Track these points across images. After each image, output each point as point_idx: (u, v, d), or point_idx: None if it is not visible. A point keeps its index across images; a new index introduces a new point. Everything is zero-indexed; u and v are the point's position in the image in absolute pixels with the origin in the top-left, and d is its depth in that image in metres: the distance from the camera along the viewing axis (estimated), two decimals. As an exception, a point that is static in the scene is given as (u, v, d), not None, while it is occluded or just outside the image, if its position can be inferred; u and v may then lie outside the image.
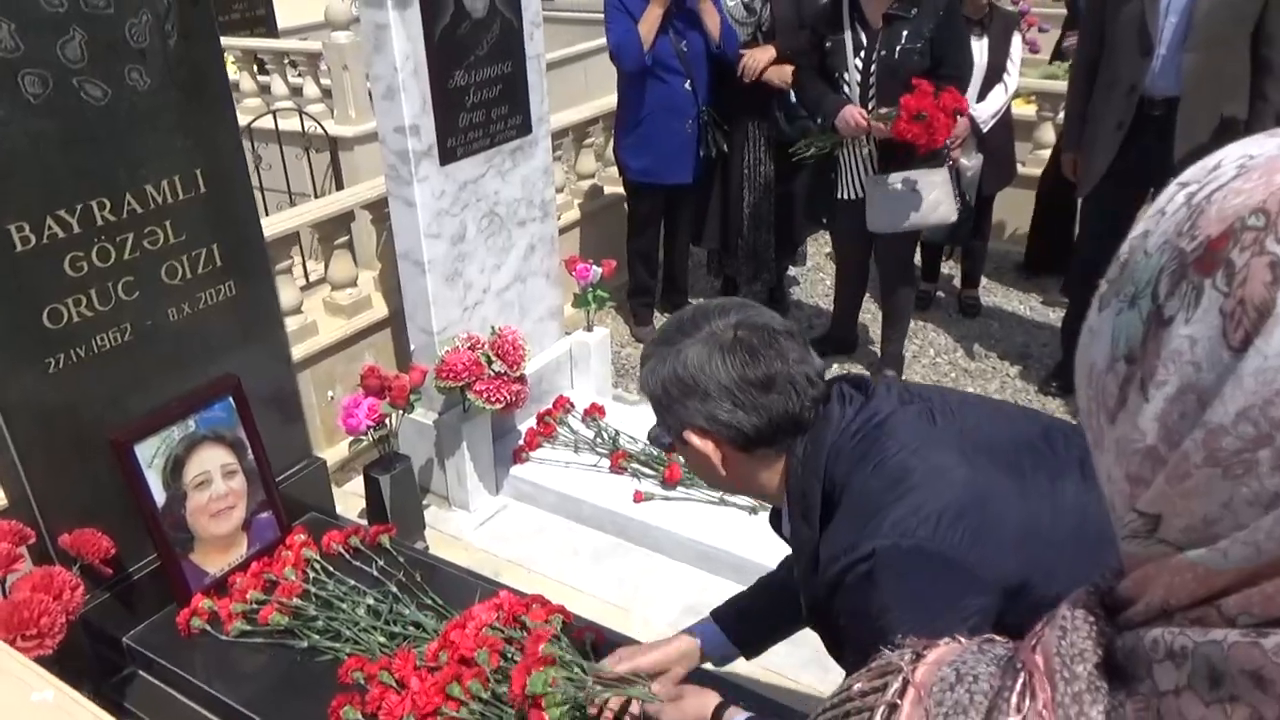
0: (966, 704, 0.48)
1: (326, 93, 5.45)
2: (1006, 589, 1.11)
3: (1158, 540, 0.43)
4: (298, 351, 3.01)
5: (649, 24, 3.63)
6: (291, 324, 3.01)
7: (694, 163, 3.91)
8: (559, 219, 4.01)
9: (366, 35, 2.65)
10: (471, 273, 3.02)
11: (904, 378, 3.80)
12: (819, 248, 4.97)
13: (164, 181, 2.06)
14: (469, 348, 2.83)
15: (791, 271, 4.72)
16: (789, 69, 3.76)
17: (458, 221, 2.92)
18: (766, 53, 3.80)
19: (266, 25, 7.48)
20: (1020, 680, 0.47)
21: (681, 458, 1.42)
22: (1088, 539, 1.07)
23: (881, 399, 1.25)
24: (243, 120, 4.92)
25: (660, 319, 4.37)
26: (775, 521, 1.46)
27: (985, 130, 3.78)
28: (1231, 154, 0.43)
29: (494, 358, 2.81)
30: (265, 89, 5.86)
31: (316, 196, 5.01)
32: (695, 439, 1.26)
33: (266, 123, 4.77)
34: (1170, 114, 3.04)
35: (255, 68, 6.03)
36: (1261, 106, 2.98)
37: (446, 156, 2.82)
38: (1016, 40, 3.93)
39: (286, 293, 3.04)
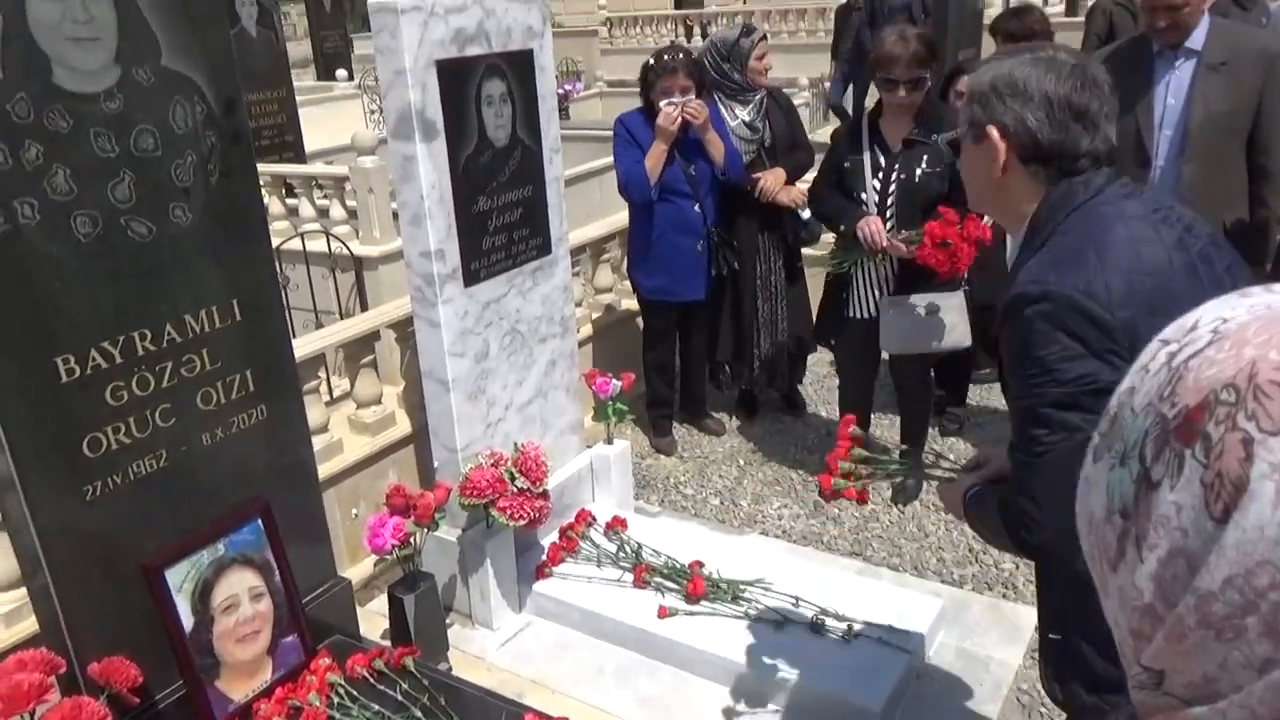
0: None
1: (352, 214, 5.65)
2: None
3: (1164, 693, 0.45)
4: (323, 470, 3.04)
5: (655, 159, 3.75)
6: (318, 443, 3.05)
7: (706, 281, 4.00)
8: (578, 333, 4.10)
9: (395, 165, 2.78)
10: (494, 389, 3.08)
11: (924, 487, 3.79)
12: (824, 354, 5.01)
13: (202, 311, 2.14)
14: (492, 464, 2.87)
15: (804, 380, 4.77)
16: (797, 190, 3.90)
17: (481, 340, 3.00)
18: (779, 175, 3.94)
19: (294, 150, 7.81)
20: None
21: (960, 163, 1.62)
22: None
23: (1139, 197, 1.47)
24: (272, 243, 5.11)
25: (679, 429, 4.40)
26: None
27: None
28: (1207, 315, 0.46)
29: (517, 474, 2.83)
30: (293, 211, 6.08)
31: (341, 315, 5.14)
32: (995, 134, 1.46)
33: (294, 244, 4.94)
34: None
35: (284, 191, 6.27)
36: (1262, 213, 3.05)
37: (470, 278, 2.92)
38: None
39: (313, 412, 3.10)
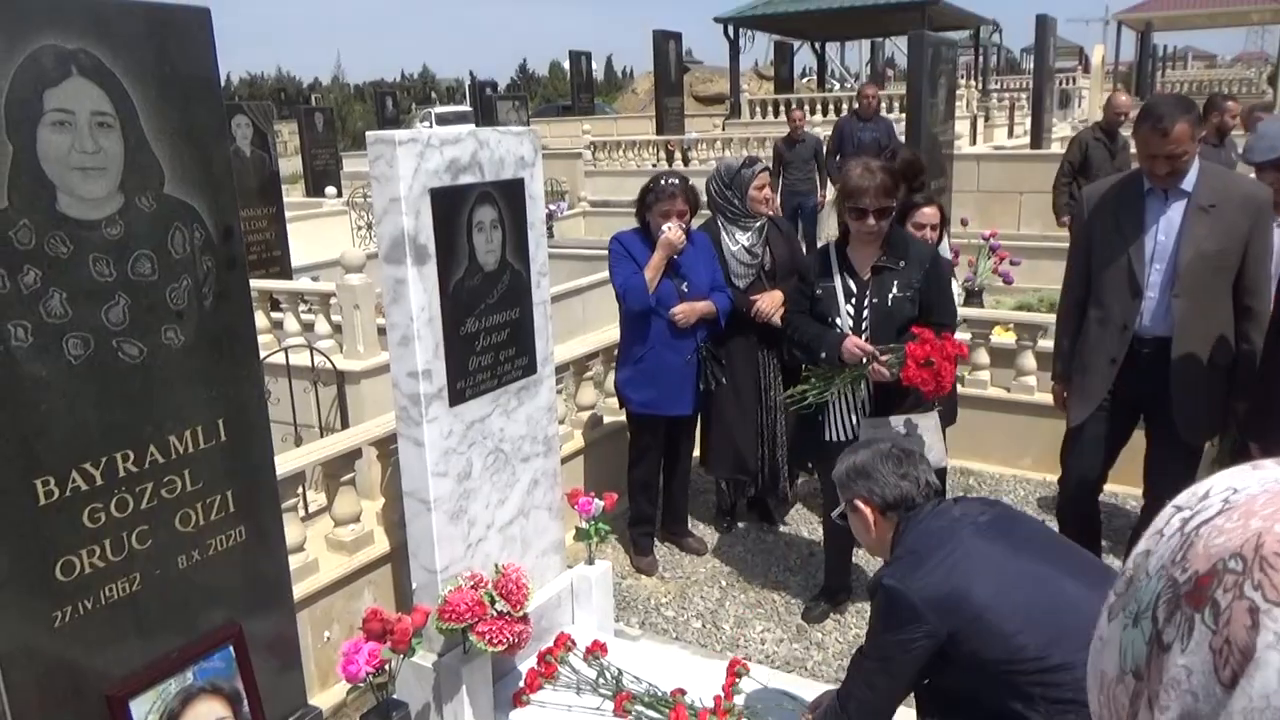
0: None
1: (337, 328, 5.70)
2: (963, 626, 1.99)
3: None
4: (298, 591, 2.98)
5: (654, 269, 3.89)
6: (293, 563, 3.00)
7: (694, 395, 4.05)
8: (561, 450, 4.10)
9: (386, 287, 2.84)
10: (476, 509, 3.05)
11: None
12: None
13: (187, 432, 2.14)
14: (472, 587, 2.82)
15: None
16: None
17: (464, 459, 2.99)
18: (776, 297, 4.06)
19: (282, 265, 7.92)
20: None
21: (851, 524, 2.36)
22: (1067, 618, 1.90)
23: (956, 512, 2.17)
24: (254, 356, 5.14)
25: (661, 548, 4.36)
26: None
27: None
28: (1219, 485, 0.49)
29: (497, 597, 2.79)
30: (278, 325, 6.12)
31: (321, 429, 5.12)
32: (862, 505, 2.27)
33: (277, 358, 4.96)
34: (1159, 351, 3.17)
35: (269, 305, 6.33)
36: (1246, 348, 3.13)
37: (455, 398, 2.94)
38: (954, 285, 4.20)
39: (290, 530, 3.05)
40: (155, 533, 2.09)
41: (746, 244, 4.13)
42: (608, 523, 3.50)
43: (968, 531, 2.09)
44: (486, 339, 3.05)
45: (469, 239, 2.95)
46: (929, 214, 4.09)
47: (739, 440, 4.26)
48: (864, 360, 3.33)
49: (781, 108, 19.30)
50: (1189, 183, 3.09)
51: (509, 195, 3.09)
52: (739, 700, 2.95)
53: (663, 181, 3.98)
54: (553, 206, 12.84)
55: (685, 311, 3.92)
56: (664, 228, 3.86)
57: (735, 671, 2.94)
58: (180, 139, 2.10)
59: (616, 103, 38.12)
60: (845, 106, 17.86)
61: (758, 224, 4.15)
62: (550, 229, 12.26)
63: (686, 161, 14.32)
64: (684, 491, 4.42)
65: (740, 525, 4.57)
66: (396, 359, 2.86)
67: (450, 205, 2.87)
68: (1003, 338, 5.25)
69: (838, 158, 9.20)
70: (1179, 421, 3.18)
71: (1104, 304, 3.27)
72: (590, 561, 3.51)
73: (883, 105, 16.19)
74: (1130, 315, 3.19)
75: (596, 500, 3.42)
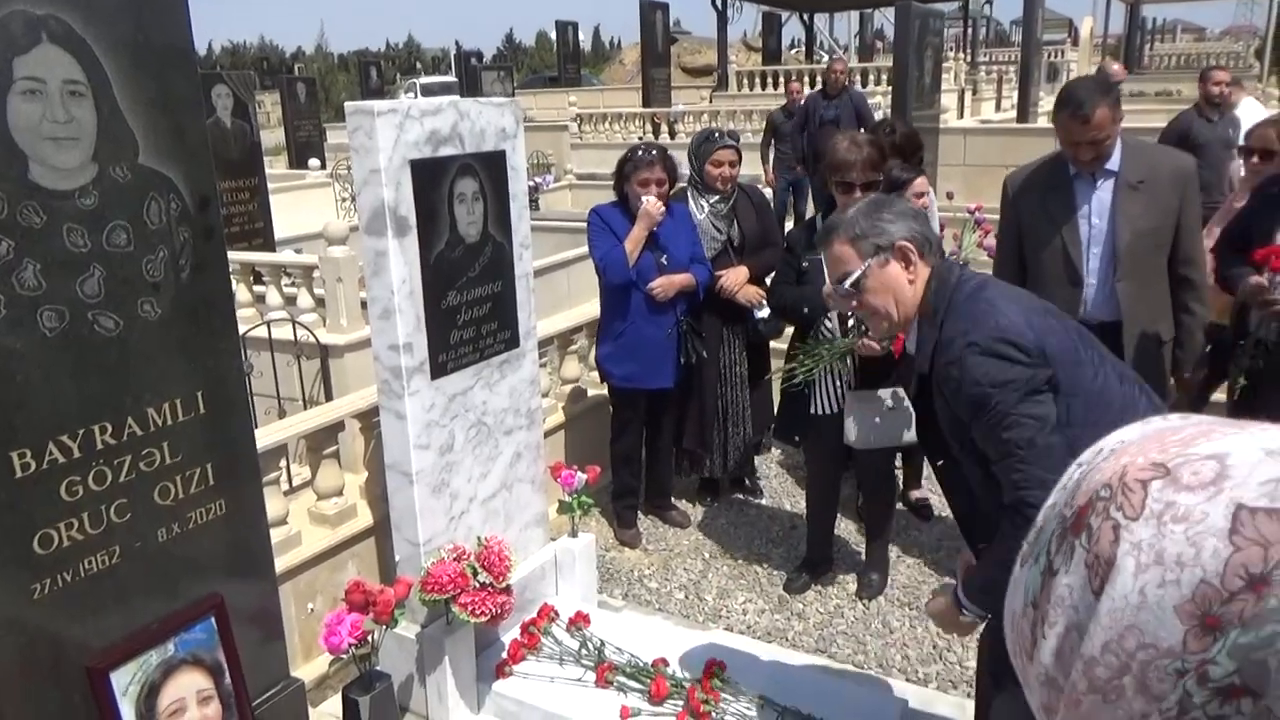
0: None
1: (320, 302, 5.67)
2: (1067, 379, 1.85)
3: None
4: (280, 563, 2.98)
5: (635, 241, 3.87)
6: (275, 536, 3.00)
7: (674, 369, 4.06)
8: (545, 424, 4.11)
9: (366, 260, 2.82)
10: (458, 482, 3.06)
11: (889, 581, 3.79)
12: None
13: (165, 405, 2.13)
14: (454, 559, 2.83)
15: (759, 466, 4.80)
16: (754, 290, 4.00)
17: (446, 432, 2.99)
18: (741, 273, 4.05)
19: (264, 237, 7.85)
20: None
21: (867, 298, 2.02)
22: (1112, 399, 1.86)
23: (980, 277, 2.01)
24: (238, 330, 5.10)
25: (644, 521, 4.39)
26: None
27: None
28: (1112, 439, 0.54)
29: (479, 569, 2.80)
30: (260, 298, 6.09)
31: (305, 402, 5.11)
32: (907, 245, 1.97)
33: (260, 331, 4.94)
34: (1105, 337, 3.01)
35: (251, 279, 6.29)
36: (1188, 320, 3.13)
37: (437, 371, 2.93)
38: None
39: (273, 504, 3.06)
40: (134, 506, 2.08)
41: (710, 216, 4.12)
42: (591, 496, 3.51)
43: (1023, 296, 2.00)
44: (468, 312, 3.04)
45: (450, 211, 2.93)
46: (919, 184, 4.08)
47: (701, 414, 4.29)
48: (851, 334, 3.34)
49: (769, 79, 19.20)
50: (1114, 162, 3.04)
51: (490, 167, 3.06)
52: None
53: (640, 151, 3.96)
54: (538, 179, 12.76)
55: (663, 285, 3.91)
56: (643, 199, 3.85)
57: (713, 673, 2.93)
58: (155, 109, 2.07)
59: (603, 74, 37.83)
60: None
61: (719, 198, 4.13)
62: (535, 201, 12.19)
63: (673, 134, 14.24)
64: (667, 465, 4.44)
65: (724, 498, 4.60)
66: (378, 332, 2.85)
67: (431, 177, 2.84)
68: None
69: (804, 134, 9.07)
70: None
71: (1045, 294, 3.03)
72: (573, 534, 3.52)
73: (858, 79, 16.07)
74: (1073, 304, 3.07)
75: (579, 473, 3.43)
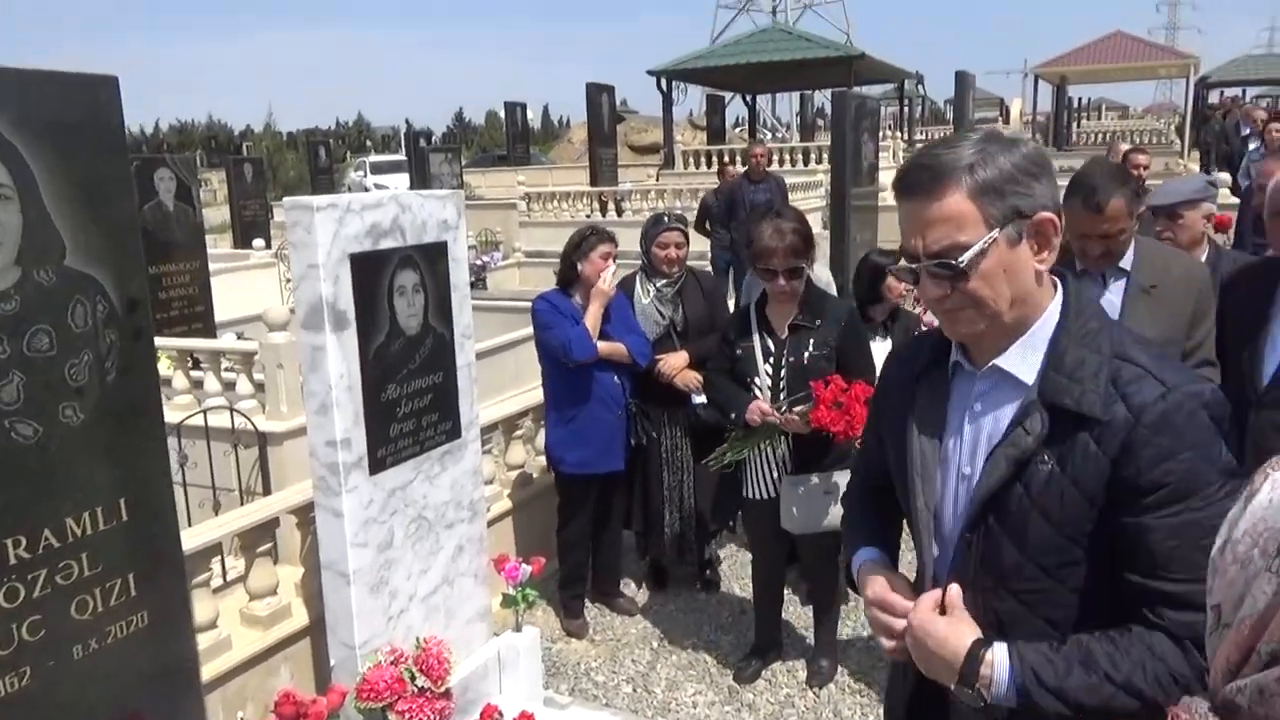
0: None
1: (259, 387, 5.56)
2: None
3: (1223, 625, 0.78)
4: (208, 671, 2.86)
5: (593, 319, 3.92)
6: (204, 641, 2.89)
7: (625, 451, 4.04)
8: (489, 511, 4.05)
9: (304, 355, 2.78)
10: (397, 580, 2.98)
11: (839, 667, 3.75)
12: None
13: (86, 514, 2.05)
14: (391, 662, 2.74)
15: (719, 551, 4.76)
16: (693, 375, 4.02)
17: (385, 529, 2.92)
18: (680, 358, 4.08)
19: (204, 321, 7.72)
20: None
21: (987, 275, 1.31)
22: None
23: None
24: (173, 418, 4.97)
25: (592, 609, 4.30)
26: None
27: None
28: None
29: (417, 673, 2.71)
30: (198, 384, 5.95)
31: (242, 493, 4.97)
32: (1055, 219, 1.32)
33: (197, 419, 4.81)
34: None
35: (189, 363, 6.16)
36: None
37: (376, 466, 2.87)
38: None
39: (202, 607, 2.95)
40: (49, 622, 1.98)
41: (655, 300, 4.17)
42: (536, 587, 3.44)
43: None
44: (409, 404, 3.00)
45: (390, 303, 2.92)
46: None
47: (647, 497, 4.27)
48: (781, 409, 3.35)
49: (714, 158, 19.69)
50: (1127, 261, 2.70)
51: (431, 258, 3.06)
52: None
53: (591, 232, 4.05)
54: (487, 257, 12.82)
55: (605, 351, 3.93)
56: (602, 276, 3.91)
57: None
58: (83, 209, 2.04)
59: (552, 152, 38.47)
60: (777, 157, 18.29)
61: (666, 282, 4.18)
62: (483, 280, 12.22)
63: (620, 212, 14.46)
64: (615, 550, 4.38)
65: (670, 580, 4.53)
66: (314, 427, 2.79)
67: (371, 270, 2.83)
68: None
69: (731, 218, 9.19)
70: None
71: None
72: (518, 628, 3.44)
73: (800, 158, 16.52)
74: None
75: (524, 565, 3.37)
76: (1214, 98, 27.81)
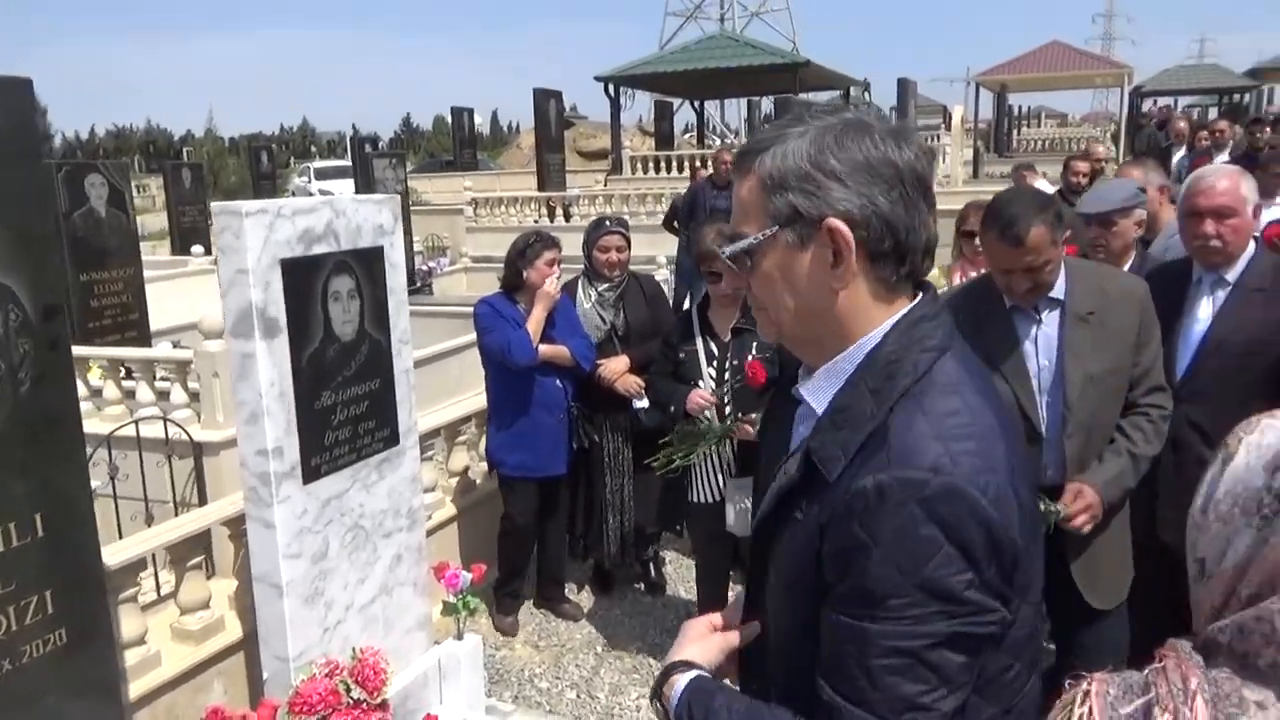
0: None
1: (194, 396, 5.43)
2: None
3: (1206, 577, 0.90)
4: (136, 688, 2.78)
5: (536, 323, 3.91)
6: (131, 658, 2.81)
7: (567, 455, 4.03)
8: (430, 518, 4.01)
9: (233, 363, 2.72)
10: (333, 590, 2.92)
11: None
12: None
13: (-2, 529, 1.98)
14: (326, 675, 2.69)
15: (664, 554, 4.76)
16: (633, 380, 4.03)
17: (320, 539, 2.87)
18: (621, 362, 4.08)
19: (138, 329, 7.53)
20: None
21: (765, 276, 1.12)
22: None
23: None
24: (104, 429, 4.83)
25: (536, 615, 4.28)
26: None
27: None
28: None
29: (352, 685, 2.66)
30: (130, 394, 5.80)
31: (176, 505, 4.84)
32: (846, 233, 1.04)
33: (129, 430, 4.68)
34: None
35: (122, 373, 6.00)
36: (1120, 448, 2.52)
37: (310, 475, 2.82)
38: None
39: (129, 624, 2.86)
40: (-41, 642, 1.91)
41: (596, 304, 4.17)
42: (478, 595, 3.41)
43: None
44: (344, 411, 2.95)
45: (324, 309, 2.87)
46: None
47: (590, 500, 4.28)
48: (728, 420, 3.37)
49: (663, 164, 19.75)
50: (1059, 289, 2.43)
51: (367, 264, 3.02)
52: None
53: (535, 238, 4.04)
54: (433, 263, 12.70)
55: (547, 354, 3.94)
56: (547, 281, 3.91)
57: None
58: (-5, 216, 1.97)
59: (501, 157, 38.27)
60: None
61: (607, 286, 4.18)
62: (429, 285, 12.10)
63: (568, 217, 14.43)
64: (559, 554, 4.37)
65: (618, 588, 4.53)
66: (245, 437, 2.73)
67: (303, 276, 2.78)
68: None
69: (692, 221, 9.21)
70: (1083, 586, 2.50)
71: None
72: (459, 637, 3.40)
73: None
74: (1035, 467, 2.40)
75: (464, 573, 3.33)
76: (1147, 106, 28.68)
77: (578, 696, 3.73)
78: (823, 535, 1.04)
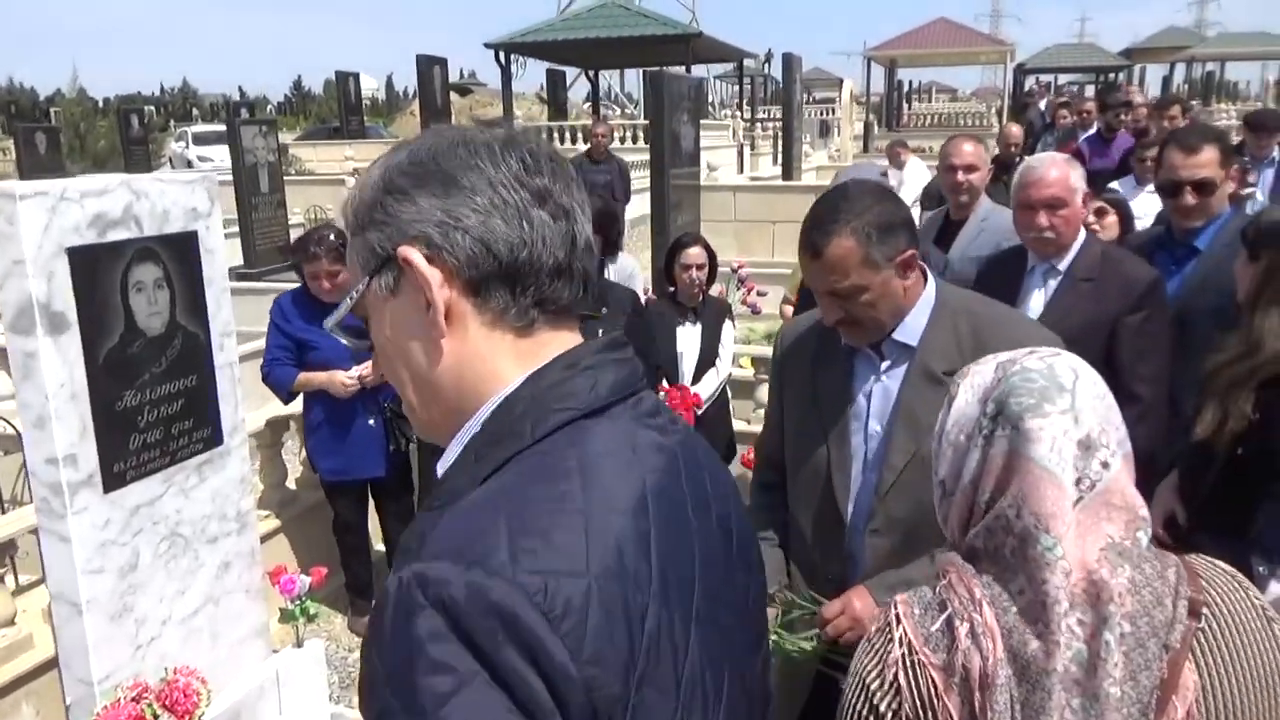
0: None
1: (27, 387, 5.03)
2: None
3: (946, 495, 1.15)
4: (-81, 721, 2.52)
5: (306, 384, 3.78)
6: (-87, 688, 2.54)
7: (384, 457, 3.90)
8: (275, 521, 3.79)
9: (14, 362, 2.46)
10: (146, 605, 2.71)
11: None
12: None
13: None
14: (133, 698, 2.48)
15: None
16: (341, 376, 3.92)
17: (128, 550, 2.65)
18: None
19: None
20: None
21: (382, 364, 0.95)
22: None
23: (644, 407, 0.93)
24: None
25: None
26: None
27: (700, 412, 3.99)
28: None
29: (160, 710, 2.47)
30: (-44, 384, 5.34)
31: (3, 504, 4.48)
32: (419, 262, 0.83)
33: (-57, 427, 4.30)
34: None
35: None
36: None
37: (114, 482, 2.59)
38: (728, 327, 4.27)
39: (-89, 649, 2.60)
40: None
41: None
42: (320, 599, 3.23)
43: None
44: (154, 412, 2.72)
45: (125, 301, 2.62)
46: (694, 254, 4.03)
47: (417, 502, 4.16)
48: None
49: (556, 134, 19.44)
50: (913, 334, 1.84)
51: (178, 250, 2.78)
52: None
53: (308, 243, 3.78)
54: (312, 236, 12.17)
55: (301, 383, 3.79)
56: (340, 379, 3.70)
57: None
58: None
59: (395, 124, 37.15)
60: (629, 134, 18.22)
61: None
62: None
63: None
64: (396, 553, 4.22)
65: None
66: (32, 444, 2.48)
67: (95, 265, 2.53)
68: (743, 372, 5.40)
69: None
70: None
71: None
72: (299, 644, 3.22)
73: (630, 136, 16.32)
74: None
75: (302, 577, 3.15)
76: (1029, 83, 29.69)
77: (432, 697, 3.59)
78: None
